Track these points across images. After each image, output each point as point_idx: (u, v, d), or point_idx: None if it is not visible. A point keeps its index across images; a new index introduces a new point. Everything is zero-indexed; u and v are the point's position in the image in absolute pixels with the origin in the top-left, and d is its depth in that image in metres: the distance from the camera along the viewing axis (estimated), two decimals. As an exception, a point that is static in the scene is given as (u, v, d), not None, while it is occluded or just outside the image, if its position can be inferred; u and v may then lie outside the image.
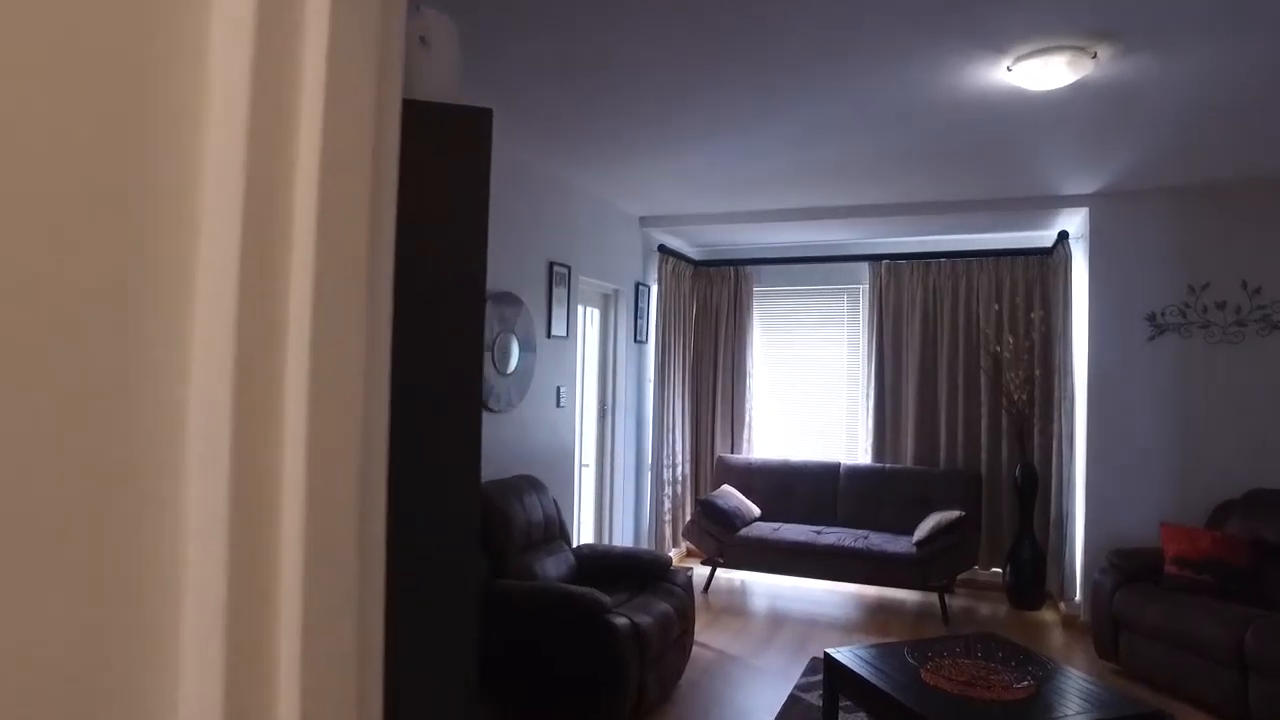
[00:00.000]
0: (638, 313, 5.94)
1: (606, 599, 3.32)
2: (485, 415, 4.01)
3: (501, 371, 4.13)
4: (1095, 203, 4.85)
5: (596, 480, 5.70)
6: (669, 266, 6.10)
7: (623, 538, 5.78)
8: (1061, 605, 5.11)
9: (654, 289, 6.13)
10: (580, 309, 5.37)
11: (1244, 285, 4.61)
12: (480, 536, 3.52)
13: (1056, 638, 4.85)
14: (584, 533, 5.62)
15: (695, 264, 6.62)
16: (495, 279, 4.11)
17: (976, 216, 5.27)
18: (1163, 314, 4.74)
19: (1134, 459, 4.77)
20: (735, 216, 5.66)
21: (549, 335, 4.67)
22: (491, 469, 4.04)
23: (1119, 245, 4.83)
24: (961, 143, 3.95)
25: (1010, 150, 4.07)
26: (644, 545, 6.06)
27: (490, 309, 4.02)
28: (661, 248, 6.02)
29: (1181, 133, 3.70)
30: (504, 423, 4.21)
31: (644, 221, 5.96)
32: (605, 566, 4.04)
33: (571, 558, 4.01)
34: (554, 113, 3.72)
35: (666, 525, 6.05)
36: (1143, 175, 4.45)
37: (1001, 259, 5.72)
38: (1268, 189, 4.52)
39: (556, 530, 4.06)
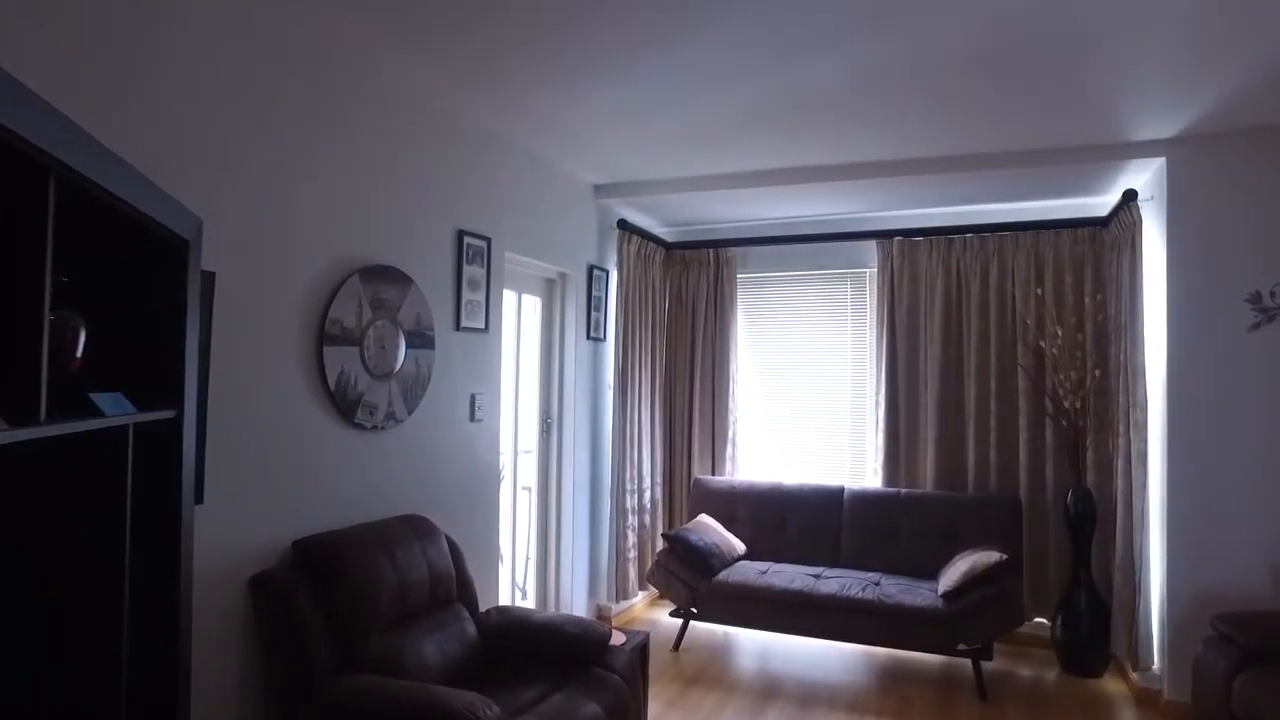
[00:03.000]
0: (592, 303, 4.81)
1: (492, 714, 2.17)
2: (349, 434, 2.88)
3: (376, 373, 3.00)
4: (1176, 150, 3.72)
5: (539, 509, 4.56)
6: (633, 247, 4.97)
7: (574, 583, 4.63)
8: (1134, 675, 3.94)
9: (614, 274, 5.00)
10: (512, 296, 4.24)
11: (1376, 254, 3.47)
12: (325, 609, 2.39)
13: (1127, 719, 3.69)
14: (527, 575, 4.48)
15: (667, 246, 5.48)
16: (364, 245, 2.98)
17: (1012, 176, 4.13)
18: (1272, 294, 3.60)
19: (1234, 485, 3.62)
20: (708, 181, 4.53)
21: (458, 327, 3.54)
22: (355, 511, 2.90)
23: (1208, 205, 3.69)
24: (1002, 61, 2.82)
25: (1070, 71, 2.94)
26: (603, 590, 4.91)
27: (357, 286, 2.89)
28: (622, 223, 4.90)
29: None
30: (382, 443, 3.07)
31: (600, 191, 4.83)
32: (519, 642, 2.90)
33: (471, 631, 2.86)
34: (457, 21, 2.62)
35: (631, 564, 4.90)
36: (1243, 107, 3.33)
37: (1044, 232, 4.57)
38: None
39: (451, 592, 2.91)
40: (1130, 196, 3.98)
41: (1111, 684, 4.10)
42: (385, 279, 3.05)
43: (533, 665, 2.80)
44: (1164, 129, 3.60)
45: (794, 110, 3.46)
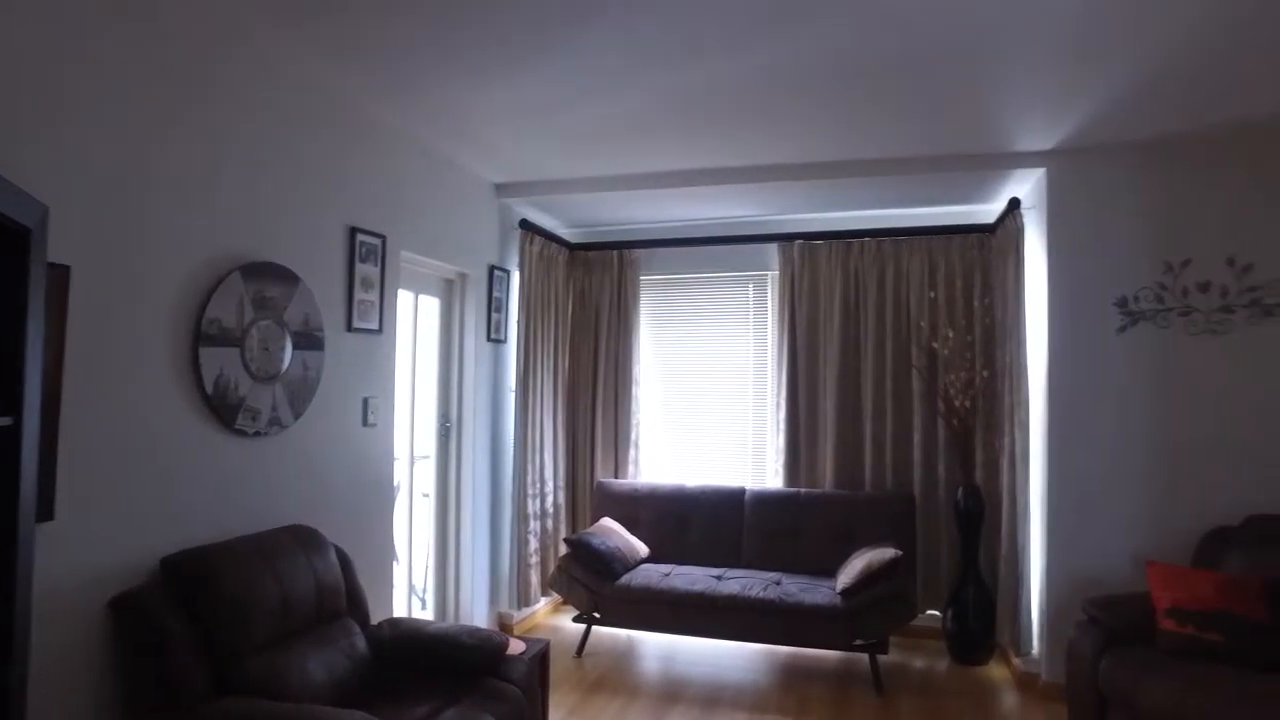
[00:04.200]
0: (493, 304, 4.70)
1: (380, 734, 2.06)
2: (229, 440, 2.70)
3: (260, 376, 2.83)
4: (1054, 162, 3.91)
5: (437, 516, 4.42)
6: (535, 248, 4.89)
7: (474, 591, 4.51)
8: (1016, 660, 4.12)
9: (515, 275, 4.90)
10: (408, 296, 4.10)
11: (1231, 262, 3.74)
12: (197, 630, 2.23)
13: (1010, 703, 3.86)
14: (425, 585, 4.34)
15: (570, 247, 5.42)
16: (246, 240, 2.81)
17: (907, 182, 4.27)
18: (1136, 299, 3.83)
19: (1104, 479, 3.83)
20: (612, 182, 4.50)
21: (350, 328, 3.38)
22: (235, 523, 2.73)
23: (1083, 214, 3.90)
24: (891, 67, 2.89)
25: (956, 83, 3.05)
26: (505, 597, 4.80)
27: (238, 283, 2.72)
28: (524, 223, 4.81)
29: (1181, 55, 2.76)
30: (266, 450, 2.89)
31: (501, 190, 4.73)
32: (412, 655, 2.78)
33: (361, 646, 2.73)
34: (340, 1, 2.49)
35: (533, 570, 4.81)
36: (1115, 123, 3.52)
37: (937, 237, 4.74)
38: (1262, 141, 3.67)
39: (340, 605, 2.77)
40: (1014, 205, 4.16)
41: (996, 670, 4.28)
42: (270, 277, 2.88)
43: (427, 679, 2.69)
44: (1043, 141, 3.78)
45: (699, 112, 3.46)
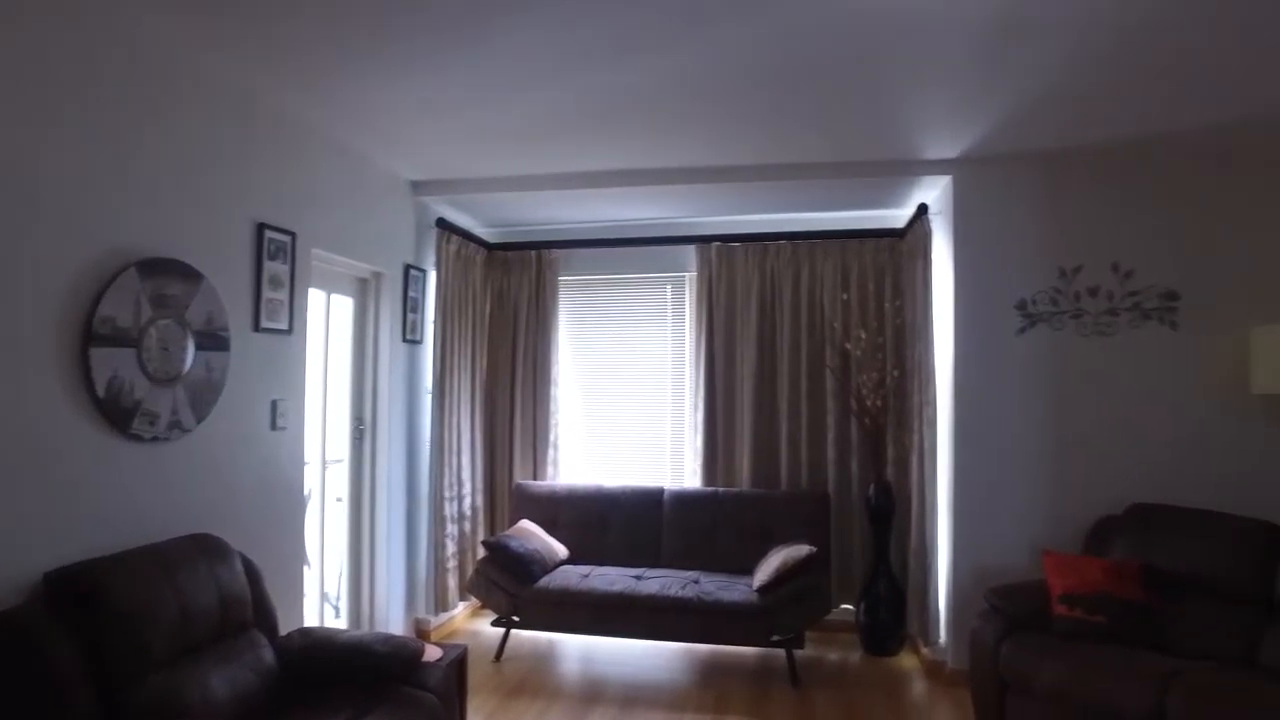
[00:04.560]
0: (409, 304, 4.60)
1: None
2: (124, 446, 2.57)
3: (158, 378, 2.69)
4: (959, 169, 4.08)
5: (351, 521, 4.29)
6: (452, 247, 4.81)
7: (390, 597, 4.40)
8: (924, 650, 4.28)
9: (432, 275, 4.81)
10: (320, 295, 3.97)
11: (1115, 269, 3.97)
12: (85, 651, 2.10)
13: (919, 691, 4.00)
14: (339, 592, 4.21)
15: (488, 246, 5.35)
16: (143, 235, 2.67)
17: (821, 186, 4.38)
18: (1034, 302, 4.02)
19: (1005, 474, 4.01)
20: (531, 181, 4.46)
21: (258, 328, 3.26)
22: (132, 534, 2.59)
23: (985, 220, 4.08)
24: (805, 75, 2.97)
25: (867, 91, 3.14)
26: (422, 602, 4.71)
27: (134, 280, 2.58)
28: (441, 222, 4.72)
29: (1068, 76, 2.91)
30: (166, 456, 2.76)
31: (417, 188, 4.63)
32: (324, 666, 2.69)
33: (269, 658, 2.63)
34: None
35: (450, 574, 4.73)
36: (1014, 135, 3.70)
37: (850, 241, 4.88)
38: (1139, 158, 3.91)
39: (246, 616, 2.66)
40: (922, 210, 4.32)
41: (906, 660, 4.44)
42: (170, 273, 2.75)
43: (339, 690, 2.61)
44: (949, 150, 3.93)
45: (617, 113, 3.47)
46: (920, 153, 3.98)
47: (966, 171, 4.07)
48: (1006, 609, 3.43)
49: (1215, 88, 3.11)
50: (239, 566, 2.70)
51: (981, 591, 3.68)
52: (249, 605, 2.68)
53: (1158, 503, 3.75)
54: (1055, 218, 4.01)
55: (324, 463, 4.04)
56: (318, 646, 2.73)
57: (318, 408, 3.95)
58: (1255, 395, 3.78)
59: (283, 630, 2.91)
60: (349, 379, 4.28)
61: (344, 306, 4.25)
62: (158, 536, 2.67)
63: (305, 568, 3.70)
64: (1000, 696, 3.32)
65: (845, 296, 4.86)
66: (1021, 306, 4.02)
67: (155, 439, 2.69)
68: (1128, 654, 3.10)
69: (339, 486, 4.24)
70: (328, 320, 4.07)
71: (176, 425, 2.79)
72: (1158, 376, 3.90)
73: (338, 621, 4.23)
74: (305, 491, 3.70)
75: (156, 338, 2.69)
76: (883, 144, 3.85)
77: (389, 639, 2.77)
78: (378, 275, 4.39)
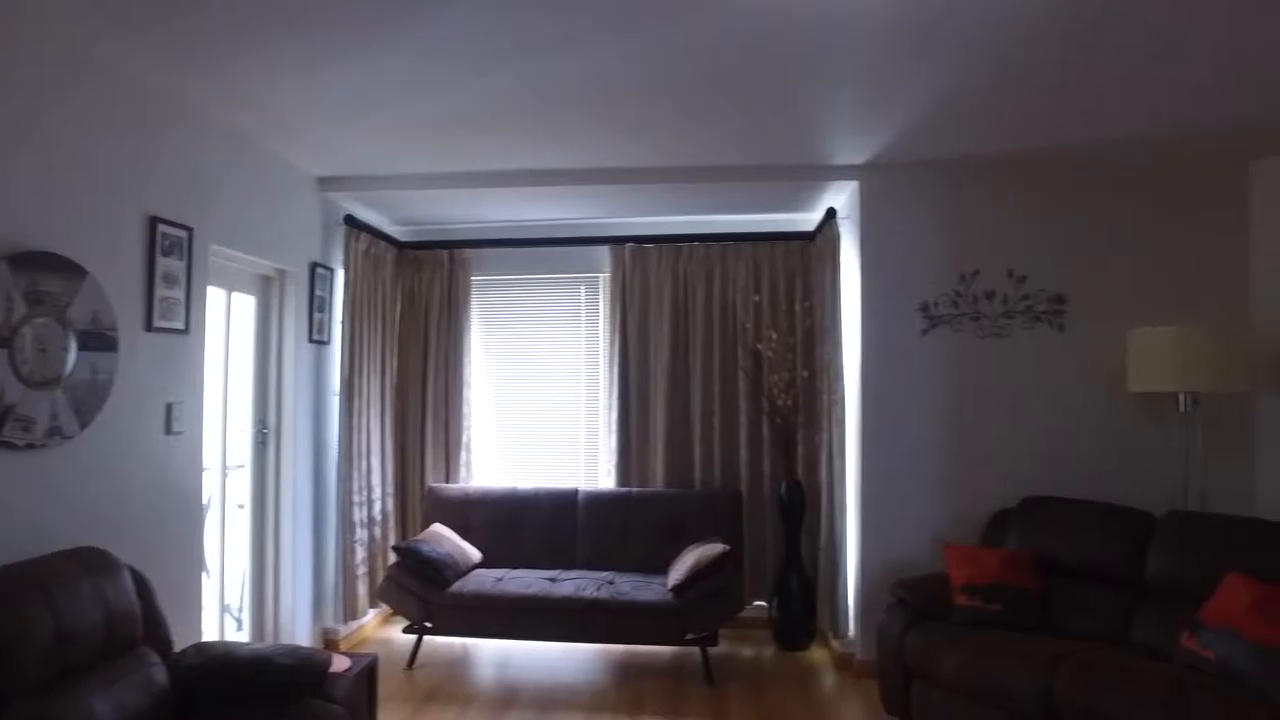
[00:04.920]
0: (315, 304, 4.45)
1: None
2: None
3: (33, 381, 2.52)
4: (866, 175, 4.20)
5: (254, 529, 4.12)
6: (361, 245, 4.67)
7: (296, 607, 4.25)
8: (834, 643, 4.40)
9: (340, 274, 4.67)
10: (220, 294, 3.80)
11: (1010, 274, 4.18)
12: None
13: (829, 683, 4.11)
14: (242, 604, 4.03)
15: (399, 245, 5.23)
16: (13, 226, 2.50)
17: (734, 190, 4.44)
18: (936, 304, 4.19)
19: (909, 470, 4.16)
20: (443, 180, 4.38)
21: (150, 327, 3.09)
22: (6, 548, 2.42)
23: (890, 225, 4.22)
24: (717, 79, 3.00)
25: (777, 97, 3.20)
26: (330, 611, 4.56)
27: (5, 275, 2.41)
28: (349, 219, 4.58)
29: (976, 85, 3.04)
30: (43, 465, 2.59)
31: (324, 184, 4.49)
32: (223, 682, 2.57)
33: (160, 677, 2.49)
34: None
35: (360, 581, 4.60)
36: (917, 144, 3.83)
37: (761, 243, 4.97)
38: (1031, 168, 4.12)
39: (135, 633, 2.52)
40: (831, 214, 4.44)
41: (818, 654, 4.55)
42: (47, 268, 2.58)
43: (240, 707, 2.50)
44: (857, 156, 4.05)
45: (530, 112, 3.43)
46: (829, 158, 4.09)
47: (873, 177, 4.20)
48: (911, 601, 3.55)
49: (1105, 106, 3.30)
50: (127, 580, 2.55)
51: (888, 585, 3.80)
52: (138, 621, 2.54)
53: (1048, 495, 3.95)
54: (955, 224, 4.19)
55: (225, 468, 3.87)
56: (216, 662, 2.60)
57: (218, 411, 3.78)
58: (1132, 393, 4.03)
59: (179, 646, 2.77)
60: (252, 381, 4.11)
61: (246, 305, 4.07)
62: (36, 552, 2.50)
63: (204, 579, 3.53)
64: (906, 685, 3.44)
65: (757, 298, 4.94)
66: (924, 309, 4.18)
67: (31, 446, 2.52)
68: (1021, 639, 3.25)
69: (241, 493, 4.06)
70: (229, 320, 3.89)
71: (57, 432, 2.62)
72: (1048, 376, 4.12)
73: (240, 634, 4.05)
74: (204, 499, 3.54)
75: (32, 337, 2.52)
76: (793, 149, 3.93)
77: (294, 651, 2.67)
78: (282, 273, 4.23)
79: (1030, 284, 4.16)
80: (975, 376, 4.16)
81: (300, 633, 4.30)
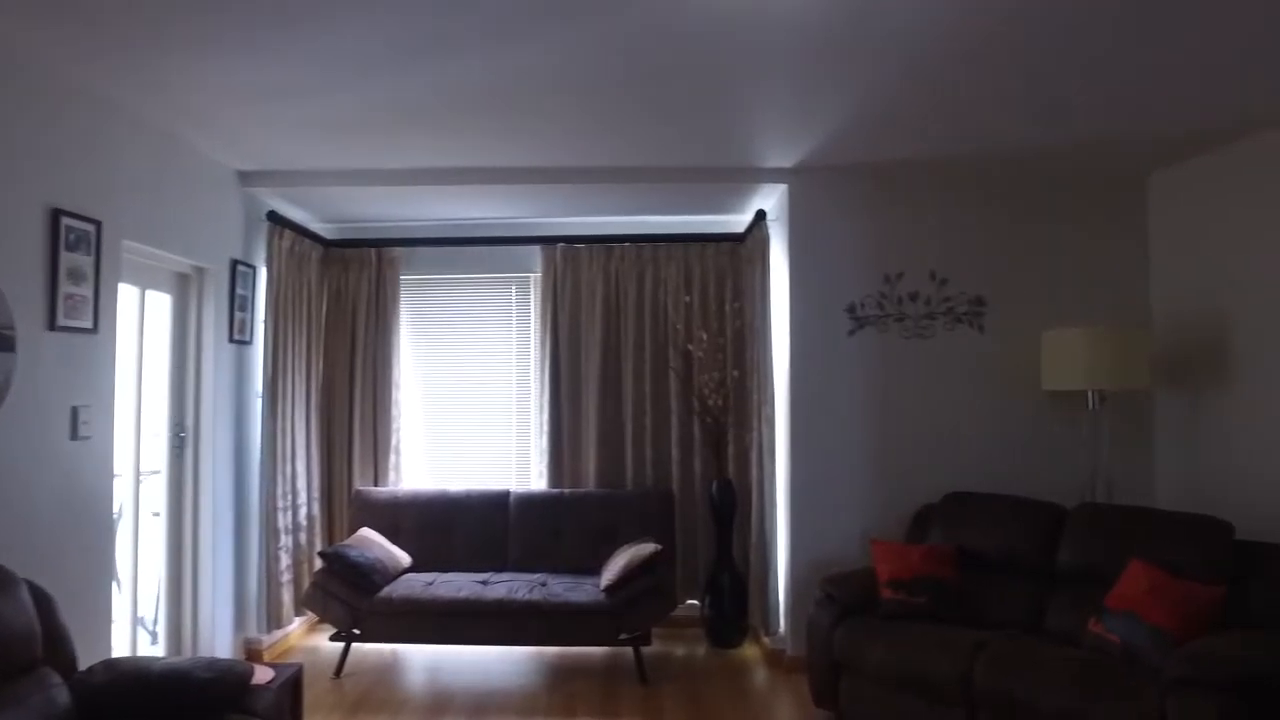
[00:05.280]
0: (237, 302, 4.30)
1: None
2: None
3: (-73, 383, 2.37)
4: (794, 178, 4.28)
5: (171, 537, 3.96)
6: (285, 243, 4.54)
7: (216, 618, 4.09)
8: (765, 640, 4.47)
9: (262, 272, 4.52)
10: (132, 291, 3.64)
11: (933, 276, 4.31)
12: None
13: (761, 679, 4.17)
14: (158, 616, 3.86)
15: (325, 243, 5.09)
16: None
17: (665, 190, 4.46)
18: (862, 305, 4.29)
19: (837, 468, 4.25)
20: (370, 177, 4.29)
21: (54, 326, 2.94)
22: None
23: (818, 228, 4.31)
24: (649, 79, 3.02)
25: (708, 100, 3.23)
26: (253, 620, 4.41)
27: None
28: (273, 215, 4.45)
29: (902, 92, 3.13)
30: (-63, 472, 2.43)
31: (246, 179, 4.34)
32: (134, 700, 2.45)
33: (62, 699, 2.37)
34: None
35: (285, 589, 4.46)
36: (843, 149, 3.92)
37: (692, 244, 5.01)
38: (952, 173, 4.26)
39: (35, 653, 2.38)
40: (761, 216, 4.51)
41: (749, 651, 4.61)
42: (-60, 266, 2.43)
43: (155, 722, 2.40)
44: (786, 159, 4.12)
45: (460, 109, 3.38)
46: (759, 161, 4.15)
47: (802, 180, 4.28)
48: (839, 596, 3.63)
49: (1022, 116, 3.43)
50: (24, 596, 2.41)
51: (818, 581, 3.87)
52: (38, 640, 2.40)
53: (969, 490, 4.10)
54: (881, 227, 4.30)
55: (138, 474, 3.71)
56: (126, 679, 2.48)
57: (130, 414, 3.62)
58: (1046, 391, 4.21)
59: (87, 664, 2.64)
60: (168, 382, 3.95)
61: (162, 304, 3.91)
62: (-72, 564, 2.35)
63: (115, 591, 3.37)
64: (835, 678, 3.52)
65: (688, 299, 4.98)
66: (851, 310, 4.28)
67: (-75, 453, 2.37)
68: (944, 630, 3.36)
69: (157, 500, 3.90)
70: (142, 318, 3.73)
71: (-48, 437, 2.47)
72: (969, 375, 4.27)
73: (155, 649, 3.89)
74: (116, 507, 3.38)
75: (-74, 338, 2.36)
76: (724, 151, 3.98)
77: (212, 663, 2.57)
78: (201, 271, 4.08)
79: (951, 286, 4.30)
80: (900, 376, 4.28)
81: (220, 644, 4.15)
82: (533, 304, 5.23)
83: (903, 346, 4.28)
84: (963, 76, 3.00)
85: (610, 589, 4.04)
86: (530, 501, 4.74)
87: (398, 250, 5.16)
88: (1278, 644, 2.65)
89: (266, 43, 2.73)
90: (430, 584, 4.21)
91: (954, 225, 4.30)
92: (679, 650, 4.62)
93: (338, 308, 5.15)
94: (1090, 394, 3.98)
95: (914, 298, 4.29)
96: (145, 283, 3.74)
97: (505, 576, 4.37)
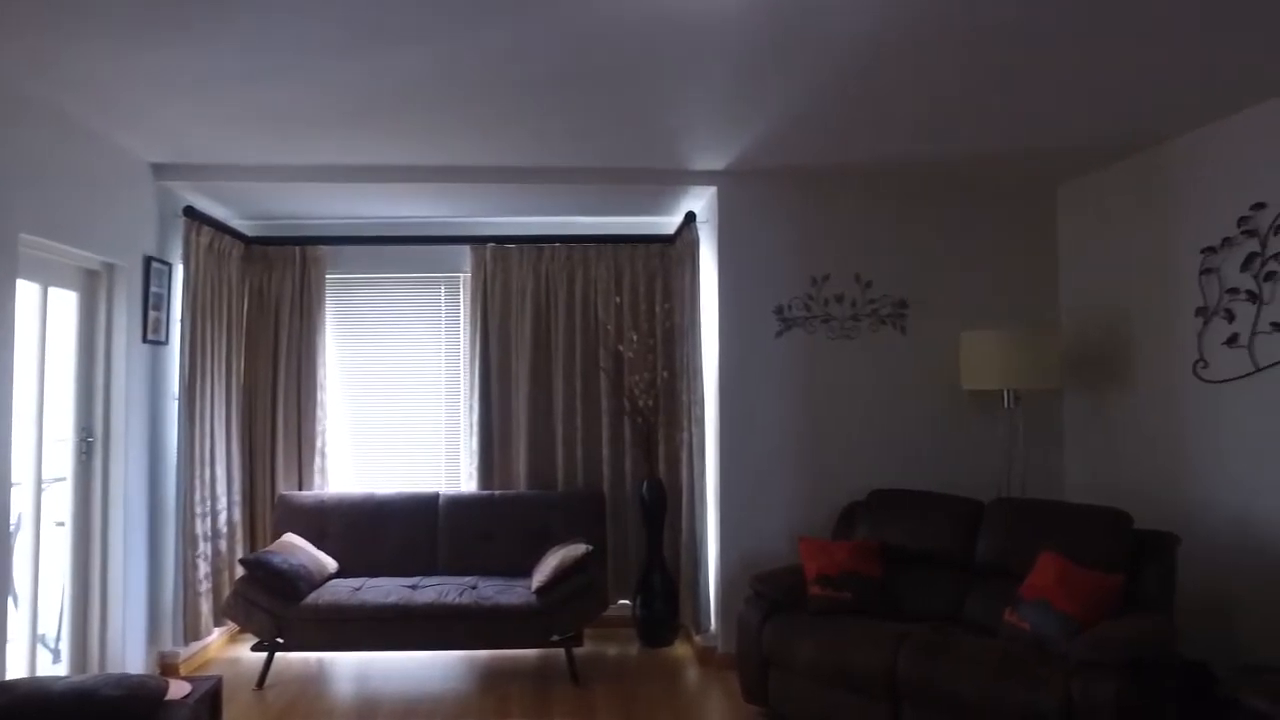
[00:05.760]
0: (151, 301, 4.13)
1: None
2: None
3: None
4: (724, 181, 4.34)
5: (77, 548, 3.78)
6: (203, 239, 4.37)
7: (127, 632, 3.92)
8: (697, 638, 4.51)
9: (179, 269, 4.35)
10: (32, 288, 3.46)
11: (858, 278, 4.43)
12: None
13: (692, 677, 4.21)
14: (60, 633, 3.68)
15: (246, 240, 4.93)
16: None
17: (595, 192, 4.46)
18: (789, 307, 4.38)
19: (766, 467, 4.33)
20: (293, 172, 4.17)
21: (-51, 326, 2.77)
22: None
23: (746, 230, 4.38)
24: (576, 80, 3.02)
25: (637, 101, 3.25)
26: (169, 633, 4.24)
27: None
28: (190, 211, 4.29)
29: (828, 99, 3.21)
30: None
31: (160, 172, 4.17)
32: None
33: (-37, 715, 2.24)
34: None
35: (204, 599, 4.30)
36: (771, 152, 3.99)
37: (623, 245, 5.02)
38: (877, 179, 4.39)
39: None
40: (690, 218, 4.55)
41: (681, 649, 4.65)
42: None
43: (59, 742, 2.28)
44: (715, 162, 4.17)
45: (378, 105, 3.31)
46: (688, 163, 4.19)
47: (730, 183, 4.34)
48: (768, 593, 3.69)
49: (945, 126, 3.55)
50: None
51: (747, 579, 3.94)
52: (-64, 655, 2.27)
53: (893, 488, 4.23)
54: (808, 230, 4.40)
55: (39, 482, 3.52)
56: (23, 702, 2.36)
57: (30, 418, 3.43)
58: (965, 391, 4.37)
59: (-17, 680, 2.50)
60: (74, 385, 3.76)
61: (67, 302, 3.73)
62: None
63: (12, 608, 3.19)
64: (765, 674, 3.58)
65: (618, 300, 5.00)
66: (779, 311, 4.37)
67: None
68: (869, 624, 3.45)
69: (60, 509, 3.71)
70: (44, 317, 3.55)
71: None
72: (892, 375, 4.40)
73: (57, 668, 3.70)
74: (13, 517, 3.21)
75: None
76: (653, 153, 4.00)
77: (122, 680, 2.46)
78: (110, 267, 3.90)
79: (876, 288, 4.42)
80: (827, 376, 4.38)
81: (132, 659, 3.97)
82: (462, 304, 5.17)
83: (829, 347, 4.39)
84: (889, 82, 3.08)
85: (542, 590, 4.02)
86: (460, 503, 4.68)
87: (323, 248, 5.04)
88: (1164, 627, 2.90)
89: (184, 34, 2.62)
90: (358, 589, 4.12)
91: (878, 229, 4.43)
92: (611, 650, 4.64)
93: (260, 307, 5.00)
94: (1006, 393, 4.15)
95: (840, 300, 4.40)
96: (48, 279, 3.56)
97: (435, 580, 4.31)
